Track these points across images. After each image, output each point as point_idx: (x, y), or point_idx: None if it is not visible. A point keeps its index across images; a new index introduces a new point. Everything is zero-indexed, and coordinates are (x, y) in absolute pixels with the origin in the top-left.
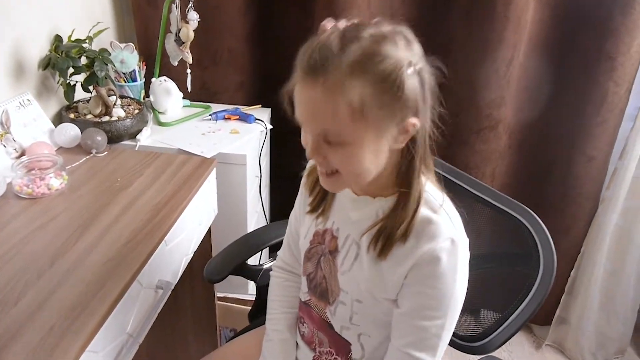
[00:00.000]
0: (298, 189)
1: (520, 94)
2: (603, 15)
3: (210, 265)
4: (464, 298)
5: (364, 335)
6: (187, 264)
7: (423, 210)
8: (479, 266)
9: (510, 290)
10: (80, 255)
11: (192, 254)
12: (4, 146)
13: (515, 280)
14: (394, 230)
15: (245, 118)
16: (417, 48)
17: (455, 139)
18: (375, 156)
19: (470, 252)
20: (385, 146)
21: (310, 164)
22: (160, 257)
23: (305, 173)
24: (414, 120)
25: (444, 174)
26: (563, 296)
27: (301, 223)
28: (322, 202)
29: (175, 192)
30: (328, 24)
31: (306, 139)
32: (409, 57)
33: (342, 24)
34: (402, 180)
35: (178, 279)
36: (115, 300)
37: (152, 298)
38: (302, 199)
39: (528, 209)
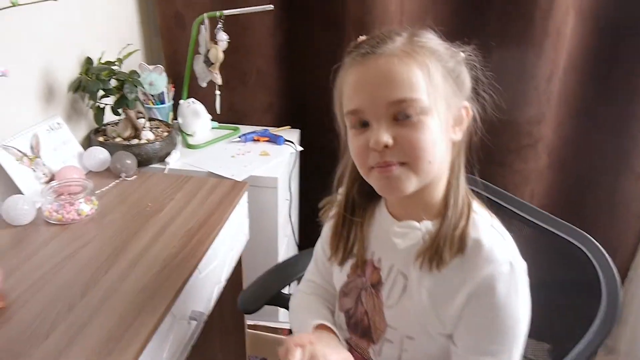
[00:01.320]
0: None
1: (560, 110)
2: None
3: (245, 294)
4: (528, 327)
5: None
6: (220, 292)
7: (473, 232)
8: (532, 296)
9: (568, 324)
10: (112, 284)
11: (225, 282)
12: (34, 170)
13: (574, 312)
14: (443, 254)
15: (274, 140)
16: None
17: (492, 158)
18: (444, 139)
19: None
20: (448, 130)
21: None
22: (193, 286)
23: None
24: (466, 104)
25: (488, 195)
26: None
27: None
28: (347, 249)
29: (208, 217)
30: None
31: (364, 140)
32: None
33: None
34: (448, 197)
35: (211, 308)
36: (150, 334)
37: (184, 330)
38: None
39: (585, 233)
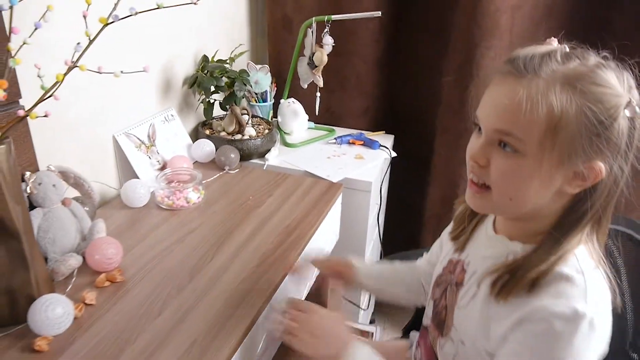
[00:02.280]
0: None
1: None
2: None
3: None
4: None
5: None
6: (308, 290)
7: (559, 268)
8: None
9: None
10: (216, 272)
11: (314, 280)
12: (149, 158)
13: None
14: (518, 275)
15: (369, 144)
16: (636, 95)
17: None
18: (542, 186)
19: None
20: (557, 181)
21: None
22: (287, 282)
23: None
24: (601, 165)
25: (630, 231)
26: None
27: (442, 248)
28: (463, 233)
29: (305, 216)
30: (553, 41)
31: (474, 144)
32: (629, 97)
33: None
34: (556, 231)
35: None
36: (250, 325)
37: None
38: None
39: None
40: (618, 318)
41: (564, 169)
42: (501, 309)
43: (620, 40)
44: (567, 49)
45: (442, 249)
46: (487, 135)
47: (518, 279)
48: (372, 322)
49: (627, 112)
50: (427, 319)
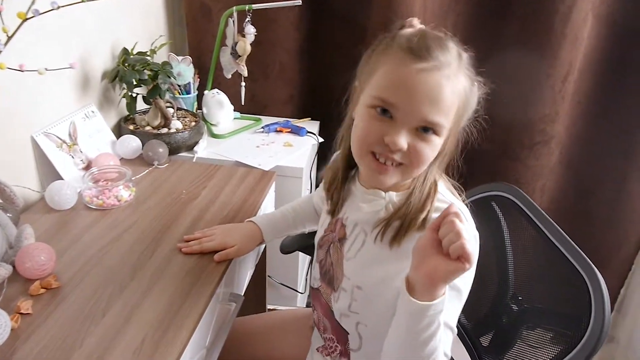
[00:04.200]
0: None
1: (573, 110)
2: None
3: (285, 240)
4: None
5: (362, 325)
6: (251, 276)
7: (437, 204)
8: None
9: (542, 349)
10: (158, 267)
11: (254, 267)
12: (72, 157)
13: (555, 340)
14: (406, 221)
15: (297, 131)
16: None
17: (507, 153)
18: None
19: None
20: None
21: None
22: (232, 271)
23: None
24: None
25: (521, 204)
26: (612, 314)
27: (320, 215)
28: (338, 203)
29: (241, 205)
30: (415, 21)
31: (385, 130)
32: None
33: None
34: (418, 177)
35: (244, 291)
36: (200, 315)
37: (225, 311)
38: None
39: (595, 268)
40: (501, 275)
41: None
42: (394, 251)
43: (522, 21)
44: (447, 35)
45: (321, 213)
46: (412, 123)
47: (409, 223)
48: (309, 305)
49: (476, 89)
50: (316, 281)
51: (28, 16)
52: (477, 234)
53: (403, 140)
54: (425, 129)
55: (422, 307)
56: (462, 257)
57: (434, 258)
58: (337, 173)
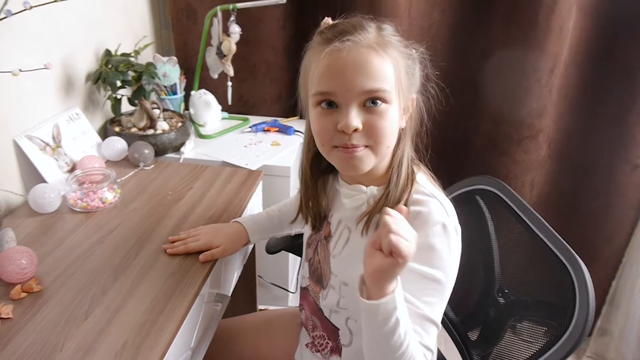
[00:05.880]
0: None
1: (560, 103)
2: None
3: (271, 240)
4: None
5: (351, 320)
6: (238, 277)
7: (414, 198)
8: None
9: (529, 341)
10: (141, 269)
11: (242, 267)
12: (56, 160)
13: (542, 331)
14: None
15: (284, 130)
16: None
17: (495, 148)
18: (397, 126)
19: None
20: (400, 119)
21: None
22: (218, 271)
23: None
24: (414, 96)
25: (504, 197)
26: (604, 307)
27: None
28: (320, 218)
29: (227, 206)
30: (328, 20)
31: (338, 118)
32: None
33: None
34: (392, 171)
35: (231, 292)
36: (183, 316)
37: (211, 312)
38: None
39: (579, 259)
40: (487, 268)
41: (404, 107)
42: None
43: (506, 15)
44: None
45: None
46: (352, 102)
47: None
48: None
49: (416, 54)
50: (304, 280)
51: (0, 17)
52: (457, 226)
53: (354, 120)
54: (373, 101)
55: (371, 306)
56: (393, 253)
57: (376, 256)
58: (308, 183)
